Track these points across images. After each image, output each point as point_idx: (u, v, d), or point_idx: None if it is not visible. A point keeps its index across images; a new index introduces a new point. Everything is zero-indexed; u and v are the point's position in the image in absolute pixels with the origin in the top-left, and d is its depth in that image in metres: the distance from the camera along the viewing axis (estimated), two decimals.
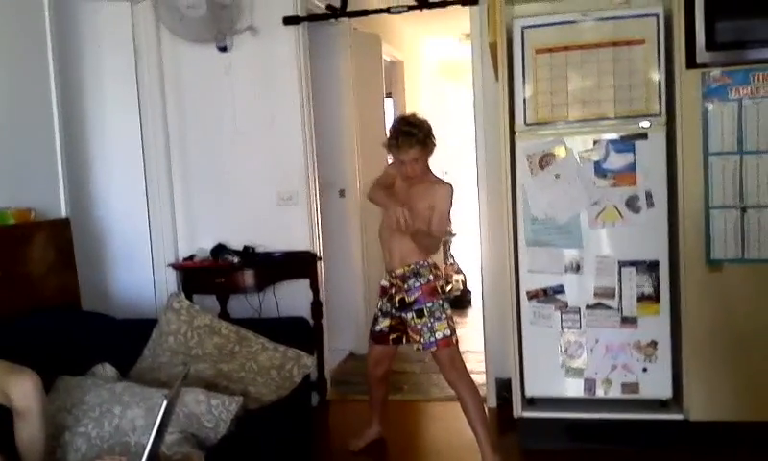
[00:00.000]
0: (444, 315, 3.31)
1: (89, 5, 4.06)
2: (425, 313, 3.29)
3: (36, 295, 3.21)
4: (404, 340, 3.45)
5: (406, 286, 3.32)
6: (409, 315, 3.32)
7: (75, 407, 2.62)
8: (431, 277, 3.33)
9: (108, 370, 2.98)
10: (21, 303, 3.08)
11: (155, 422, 1.84)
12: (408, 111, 3.45)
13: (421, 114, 3.41)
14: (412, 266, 3.32)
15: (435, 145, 3.34)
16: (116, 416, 2.57)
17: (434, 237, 3.36)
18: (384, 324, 3.47)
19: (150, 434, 1.84)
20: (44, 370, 2.49)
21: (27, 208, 3.24)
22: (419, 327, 3.30)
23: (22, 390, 2.33)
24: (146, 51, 4.21)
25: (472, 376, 3.44)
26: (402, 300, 3.34)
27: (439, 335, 3.28)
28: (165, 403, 1.85)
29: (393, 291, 3.39)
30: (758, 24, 3.31)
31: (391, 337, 3.47)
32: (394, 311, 3.41)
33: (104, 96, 4.14)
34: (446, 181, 3.46)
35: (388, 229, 3.33)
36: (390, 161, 3.53)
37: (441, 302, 3.33)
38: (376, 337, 3.51)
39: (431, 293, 3.31)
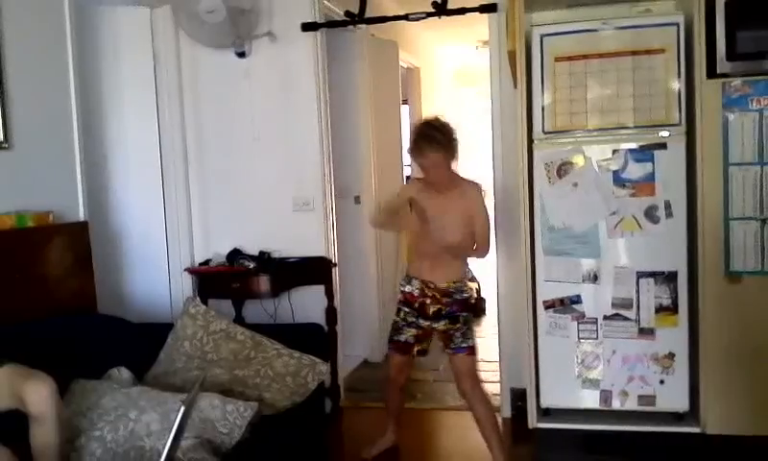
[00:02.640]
0: (473, 326, 3.36)
1: (109, 11, 4.08)
2: (460, 320, 3.30)
3: (53, 298, 3.22)
4: (426, 352, 3.45)
5: (446, 300, 3.31)
6: (441, 322, 3.31)
7: (90, 411, 2.63)
8: (467, 294, 3.37)
9: (123, 374, 2.99)
10: (38, 307, 3.09)
11: (172, 427, 1.84)
12: (430, 115, 3.39)
13: (444, 117, 3.34)
14: (458, 283, 3.32)
15: (458, 149, 3.25)
16: (131, 420, 2.58)
17: (479, 252, 3.33)
18: (409, 334, 3.39)
19: (167, 439, 1.84)
20: (60, 373, 2.49)
21: (45, 212, 3.25)
22: (451, 332, 3.30)
23: (38, 395, 2.33)
24: (165, 56, 4.23)
25: (487, 385, 3.43)
26: (438, 310, 3.32)
27: (470, 342, 3.31)
28: (183, 409, 1.84)
29: (426, 301, 3.33)
30: None
31: (416, 348, 3.42)
32: (422, 321, 3.35)
33: (123, 100, 4.15)
34: (473, 180, 3.38)
35: (429, 241, 3.27)
36: (410, 174, 3.50)
37: (470, 315, 3.37)
38: (400, 347, 3.43)
39: (465, 304, 3.35)
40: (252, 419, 2.68)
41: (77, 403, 2.66)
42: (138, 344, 3.27)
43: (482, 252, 3.34)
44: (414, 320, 3.38)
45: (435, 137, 3.18)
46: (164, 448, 1.84)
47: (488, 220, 3.35)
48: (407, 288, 3.39)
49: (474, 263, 3.50)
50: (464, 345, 3.30)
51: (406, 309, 3.40)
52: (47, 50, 3.43)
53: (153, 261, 4.23)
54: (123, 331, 3.34)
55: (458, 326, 3.30)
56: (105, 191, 4.07)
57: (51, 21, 3.45)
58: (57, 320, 3.09)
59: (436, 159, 3.19)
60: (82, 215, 3.55)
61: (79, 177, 3.55)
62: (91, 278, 3.46)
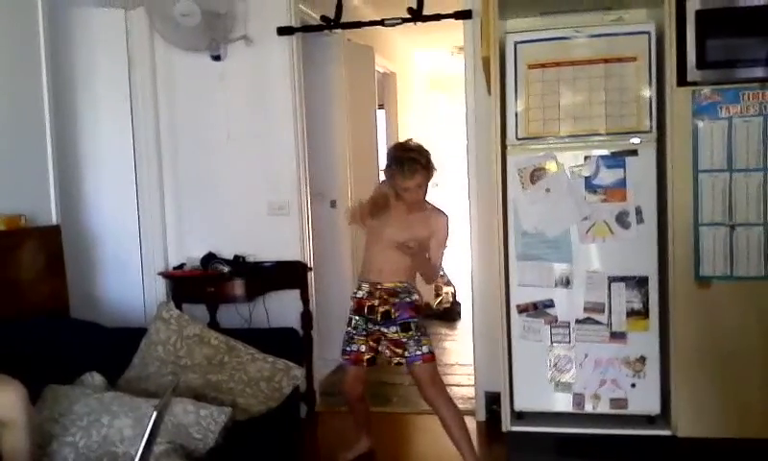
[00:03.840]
0: (427, 332, 3.34)
1: (83, 12, 4.06)
2: (412, 327, 3.28)
3: (25, 302, 3.19)
4: (375, 361, 3.41)
5: (394, 300, 3.30)
6: (392, 329, 3.29)
7: (63, 416, 2.61)
8: (416, 296, 3.35)
9: (96, 379, 2.96)
10: (9, 310, 3.06)
11: (144, 433, 1.83)
12: (402, 137, 3.42)
13: (416, 140, 3.40)
14: (404, 284, 3.32)
15: (435, 170, 3.32)
16: (104, 426, 2.56)
17: (433, 266, 3.36)
18: (361, 343, 3.37)
19: (139, 445, 1.83)
20: (32, 378, 2.47)
21: (17, 214, 3.22)
22: (403, 340, 3.27)
23: (7, 401, 2.31)
24: (139, 59, 4.21)
25: (461, 389, 3.44)
26: (387, 312, 3.30)
27: (425, 349, 3.27)
28: (155, 415, 1.84)
29: (375, 303, 3.32)
30: (749, 43, 3.34)
31: (366, 358, 3.38)
32: (371, 326, 3.33)
33: (96, 103, 4.13)
34: (443, 211, 3.41)
35: (380, 242, 3.32)
36: (381, 178, 3.50)
37: (422, 319, 3.36)
38: (353, 358, 3.40)
39: (416, 310, 3.33)
40: (226, 424, 2.68)
41: (49, 409, 2.64)
42: (111, 348, 3.25)
43: (432, 266, 3.36)
44: (364, 327, 3.36)
45: (419, 160, 3.23)
46: (137, 453, 1.83)
47: (444, 246, 3.40)
48: (358, 294, 3.39)
49: (450, 267, 3.51)
50: (418, 352, 3.26)
51: (356, 317, 3.39)
52: (20, 51, 3.40)
53: (126, 265, 4.21)
54: (96, 336, 3.31)
55: (410, 333, 3.27)
56: (78, 194, 4.04)
57: (24, 22, 3.42)
58: (29, 324, 3.06)
59: (419, 181, 3.24)
60: (54, 218, 3.52)
61: (51, 179, 3.52)
62: (64, 281, 3.44)
